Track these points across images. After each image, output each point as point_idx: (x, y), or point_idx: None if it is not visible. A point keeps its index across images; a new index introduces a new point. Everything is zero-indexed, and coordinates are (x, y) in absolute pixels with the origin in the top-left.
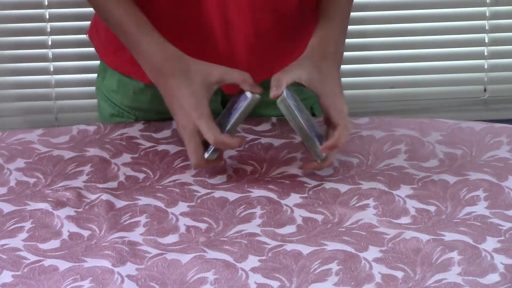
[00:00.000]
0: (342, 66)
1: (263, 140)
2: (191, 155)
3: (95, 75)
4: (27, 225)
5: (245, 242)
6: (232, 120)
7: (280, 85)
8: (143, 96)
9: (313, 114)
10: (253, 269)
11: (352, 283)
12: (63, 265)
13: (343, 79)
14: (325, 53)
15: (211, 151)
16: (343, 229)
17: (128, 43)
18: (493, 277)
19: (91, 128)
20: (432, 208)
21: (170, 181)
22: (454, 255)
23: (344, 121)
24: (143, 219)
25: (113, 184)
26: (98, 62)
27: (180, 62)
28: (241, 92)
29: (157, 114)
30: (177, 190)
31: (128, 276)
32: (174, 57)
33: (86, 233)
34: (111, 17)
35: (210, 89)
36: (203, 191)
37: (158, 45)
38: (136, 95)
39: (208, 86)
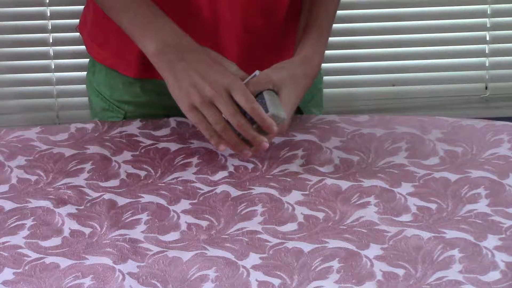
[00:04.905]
0: (343, 64)
1: None
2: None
3: None
4: (28, 222)
5: (246, 239)
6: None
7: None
8: (132, 89)
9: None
10: (254, 267)
11: (353, 281)
12: (64, 262)
13: (344, 77)
14: (306, 71)
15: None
16: (344, 227)
17: (135, 26)
18: (494, 275)
19: (89, 126)
20: (433, 206)
21: (173, 178)
22: (455, 252)
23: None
24: (144, 216)
25: (115, 182)
26: None
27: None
28: None
29: (147, 109)
30: (180, 188)
31: (129, 274)
32: (189, 36)
33: (87, 230)
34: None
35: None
36: (206, 188)
37: (174, 24)
38: (125, 88)
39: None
